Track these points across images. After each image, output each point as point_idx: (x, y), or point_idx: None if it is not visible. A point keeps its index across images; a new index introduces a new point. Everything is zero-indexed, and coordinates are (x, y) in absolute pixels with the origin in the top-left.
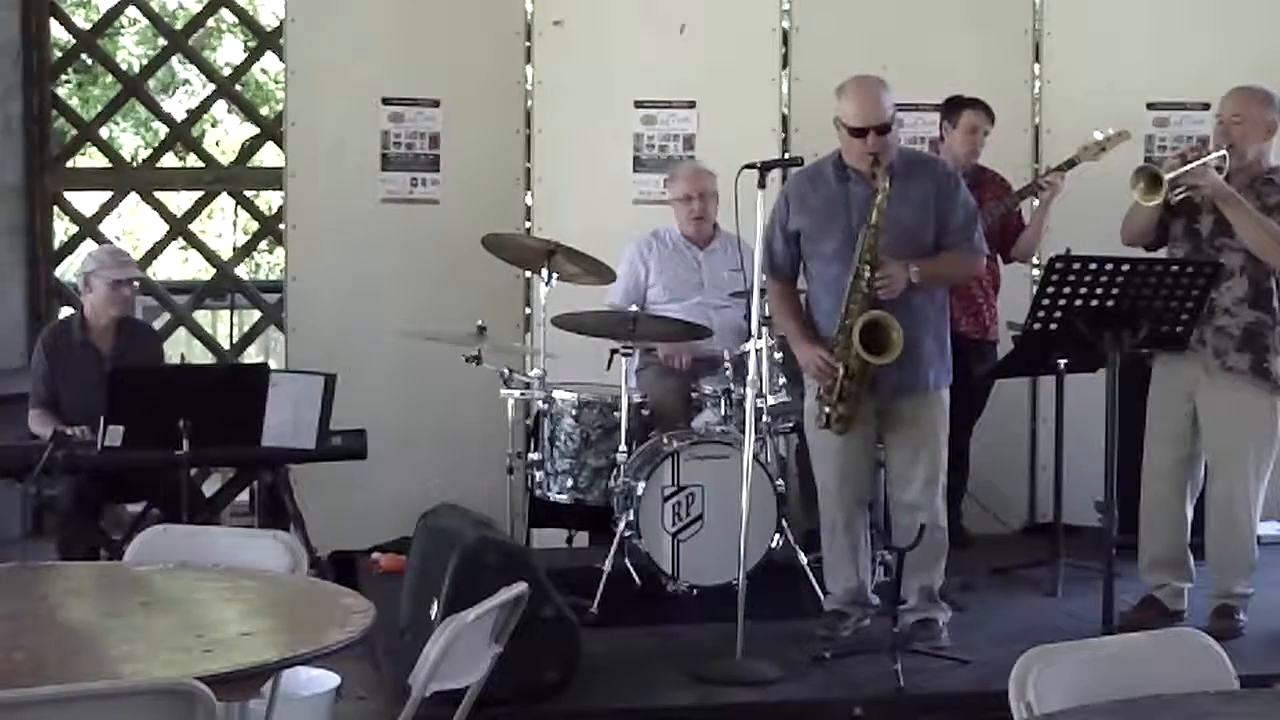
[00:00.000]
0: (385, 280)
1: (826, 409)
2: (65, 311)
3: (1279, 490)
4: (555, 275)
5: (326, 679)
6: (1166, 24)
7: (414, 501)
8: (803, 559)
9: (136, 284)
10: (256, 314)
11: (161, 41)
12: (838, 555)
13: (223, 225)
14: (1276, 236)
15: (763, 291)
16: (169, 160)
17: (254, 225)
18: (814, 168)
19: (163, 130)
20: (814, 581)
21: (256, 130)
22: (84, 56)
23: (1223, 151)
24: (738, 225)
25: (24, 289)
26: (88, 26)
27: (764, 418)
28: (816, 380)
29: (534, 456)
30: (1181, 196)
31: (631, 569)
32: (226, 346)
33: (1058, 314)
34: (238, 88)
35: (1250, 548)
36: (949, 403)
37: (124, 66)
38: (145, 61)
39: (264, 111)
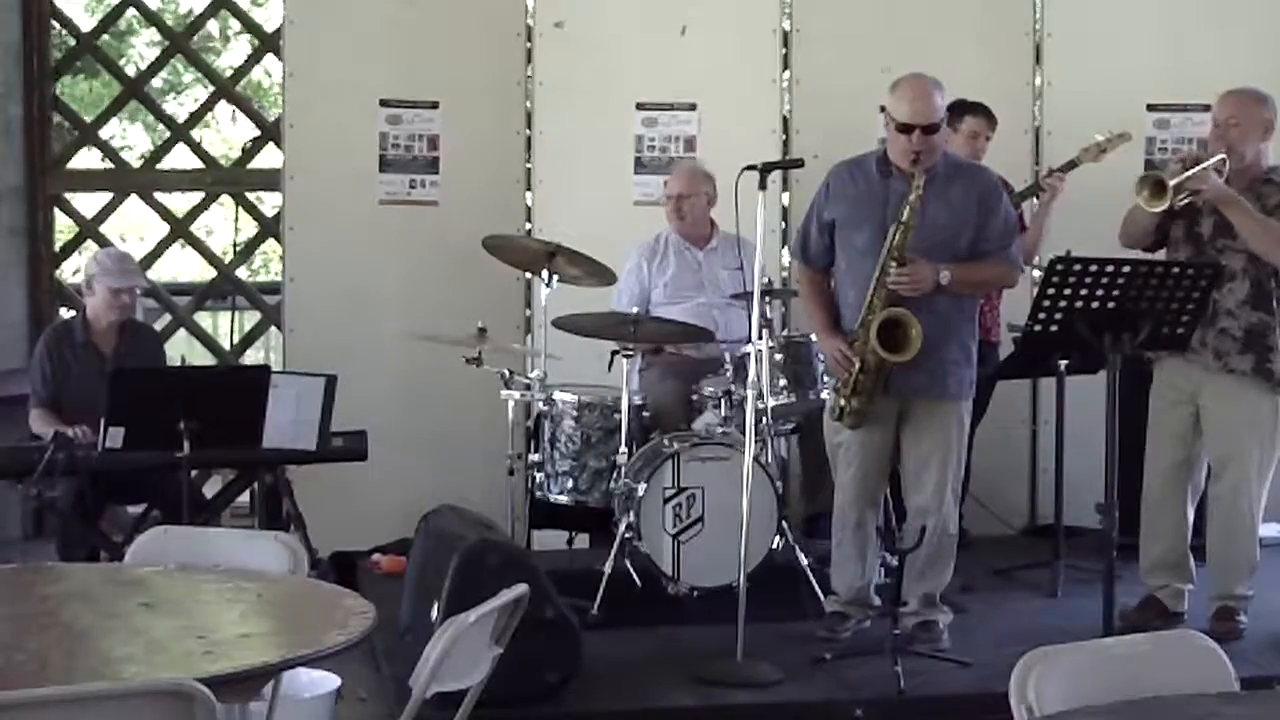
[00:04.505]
0: (385, 282)
1: (841, 401)
2: (66, 312)
3: (1279, 492)
4: (556, 277)
5: (327, 680)
6: (1166, 25)
7: (415, 503)
8: (803, 560)
9: (138, 290)
10: (257, 315)
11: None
12: (847, 554)
13: (223, 226)
14: (1279, 237)
15: (764, 293)
16: (170, 161)
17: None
18: (857, 159)
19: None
20: (814, 583)
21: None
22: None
23: (1222, 155)
24: (738, 227)
25: (25, 290)
26: (89, 26)
27: (764, 419)
28: (834, 372)
29: (534, 458)
30: (1185, 202)
31: (632, 571)
32: (227, 348)
33: (1058, 316)
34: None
35: (1252, 549)
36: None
37: (130, 70)
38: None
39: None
